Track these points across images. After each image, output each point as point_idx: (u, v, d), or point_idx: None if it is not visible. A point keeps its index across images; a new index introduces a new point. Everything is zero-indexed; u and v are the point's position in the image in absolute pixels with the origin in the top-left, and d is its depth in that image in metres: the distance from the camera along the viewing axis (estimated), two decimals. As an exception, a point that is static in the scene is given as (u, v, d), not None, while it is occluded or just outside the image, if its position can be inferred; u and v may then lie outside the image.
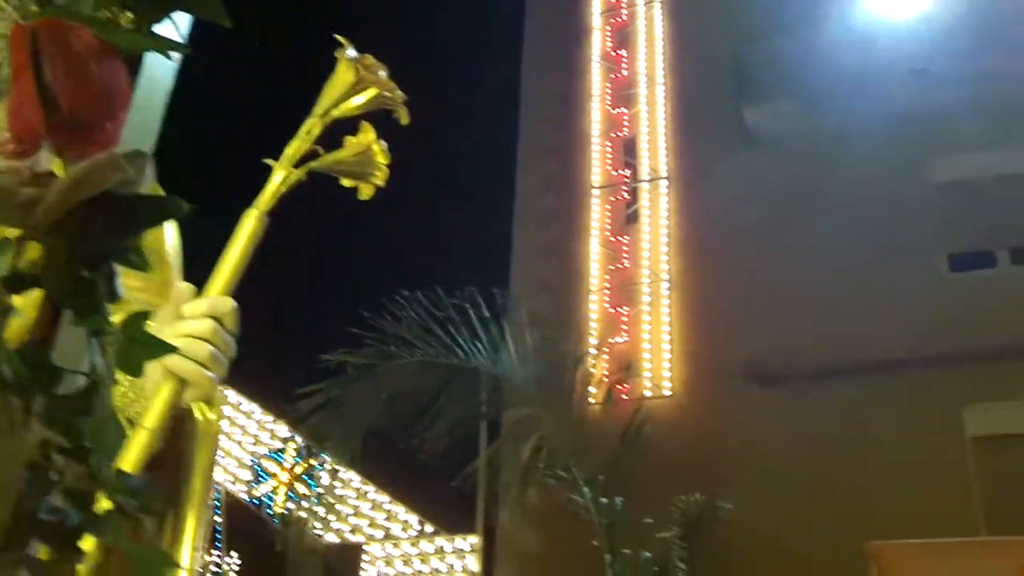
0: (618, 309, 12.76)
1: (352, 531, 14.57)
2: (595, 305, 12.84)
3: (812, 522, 10.48)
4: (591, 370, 11.47)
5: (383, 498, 14.62)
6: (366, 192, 1.84)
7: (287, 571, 13.43)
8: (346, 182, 1.81)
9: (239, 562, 14.32)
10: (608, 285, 12.93)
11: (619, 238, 13.18)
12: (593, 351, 12.30)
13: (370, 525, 14.52)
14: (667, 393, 12.21)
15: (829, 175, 12.36)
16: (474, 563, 13.19)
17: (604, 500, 6.13)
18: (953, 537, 9.08)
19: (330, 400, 6.17)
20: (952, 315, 11.21)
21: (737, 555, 10.38)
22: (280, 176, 1.66)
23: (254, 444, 15.15)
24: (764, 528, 10.51)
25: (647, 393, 12.22)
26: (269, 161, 1.67)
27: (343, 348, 6.26)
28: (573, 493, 6.20)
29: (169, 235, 1.89)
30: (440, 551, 13.44)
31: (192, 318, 1.49)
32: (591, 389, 11.70)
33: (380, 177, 1.83)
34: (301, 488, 14.71)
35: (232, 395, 15.36)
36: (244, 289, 1.65)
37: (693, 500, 8.79)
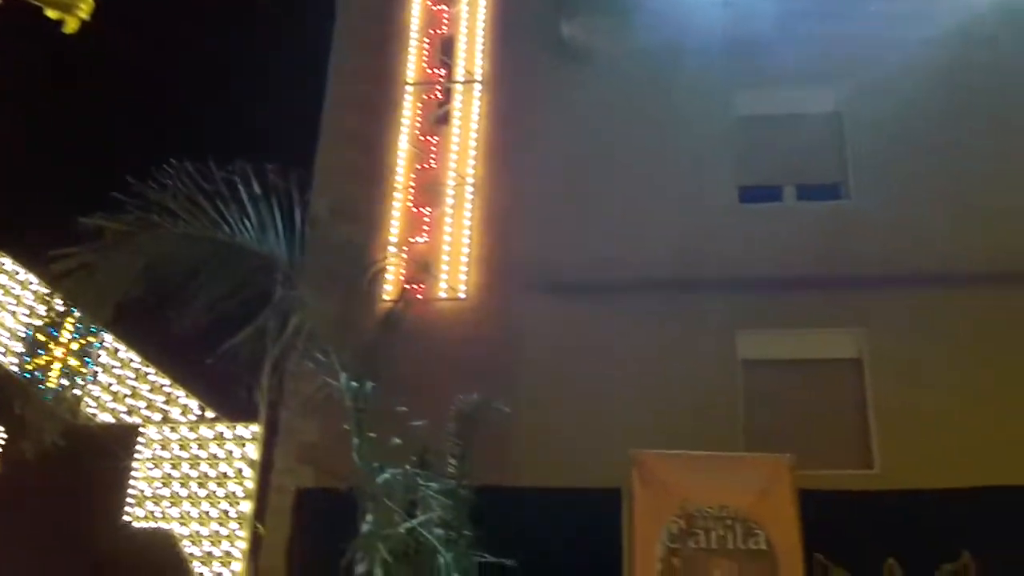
0: (421, 209, 12.65)
1: (129, 412, 14.17)
2: (398, 203, 12.69)
3: (586, 428, 10.85)
4: (385, 266, 11.42)
5: (163, 381, 14.26)
6: (72, 25, 1.67)
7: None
8: (51, 13, 1.64)
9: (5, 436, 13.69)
10: (413, 184, 12.79)
11: (428, 138, 13.02)
12: (392, 248, 12.24)
13: (148, 407, 14.16)
14: (462, 296, 12.26)
15: (640, 95, 12.57)
16: (253, 451, 13.05)
17: (355, 384, 6.11)
18: (716, 451, 9.56)
19: (86, 264, 5.91)
20: (737, 244, 11.67)
21: (511, 455, 10.67)
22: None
23: (29, 316, 14.42)
24: (540, 431, 10.82)
25: (442, 295, 12.25)
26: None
27: (101, 212, 5.98)
28: (331, 377, 6.16)
29: None
30: (220, 437, 13.21)
31: None
32: (386, 287, 11.69)
33: (85, 10, 1.66)
34: (77, 365, 14.16)
35: (9, 264, 14.57)
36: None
37: (471, 399, 8.86)
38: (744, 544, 8.81)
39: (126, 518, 13.01)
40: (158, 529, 12.97)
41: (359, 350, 6.20)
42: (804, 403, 11.24)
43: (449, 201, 12.63)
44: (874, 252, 11.46)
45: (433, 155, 12.91)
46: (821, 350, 11.52)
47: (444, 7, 13.57)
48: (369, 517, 6.02)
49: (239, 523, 12.91)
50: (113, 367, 14.34)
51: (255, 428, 13.03)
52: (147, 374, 14.34)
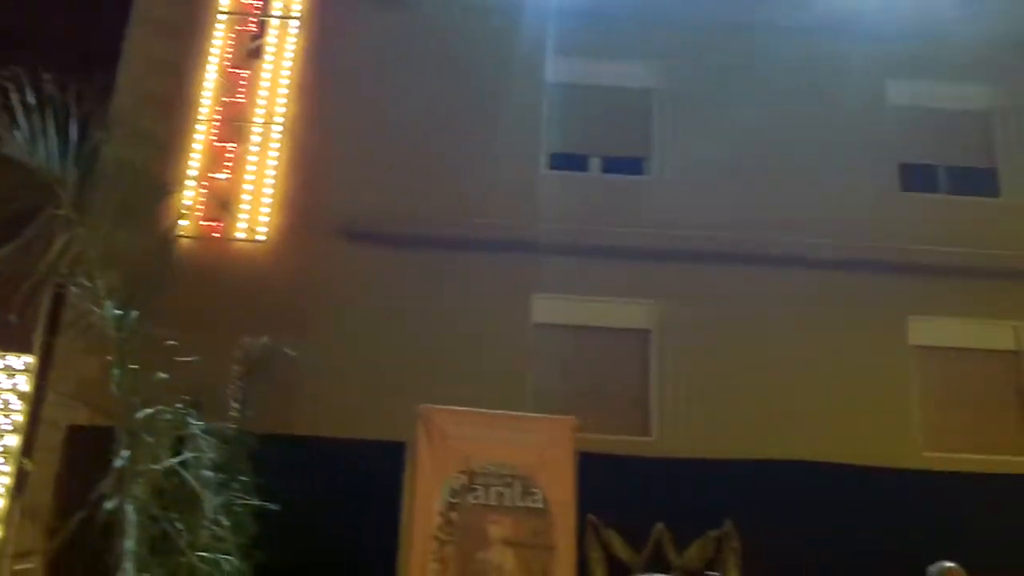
0: (225, 144, 12.20)
1: None
2: (200, 135, 12.19)
3: (376, 380, 10.78)
4: (179, 197, 10.97)
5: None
6: None
7: None
8: None
9: None
10: (218, 117, 12.31)
11: (238, 71, 12.55)
12: (190, 182, 11.78)
13: (-92, 330, 13.19)
14: (261, 238, 11.92)
15: (460, 50, 12.49)
16: (25, 383, 12.35)
17: (119, 312, 5.82)
18: (503, 410, 9.64)
19: None
20: (539, 208, 11.81)
21: (299, 403, 10.49)
22: None
23: None
24: (330, 381, 10.68)
25: (240, 235, 11.88)
26: None
27: None
28: (95, 304, 5.85)
29: None
30: (-13, 366, 12.48)
31: None
32: (180, 221, 11.21)
33: None
34: None
35: None
36: None
37: (257, 342, 8.63)
38: (522, 501, 8.95)
39: None
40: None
41: (129, 278, 5.90)
42: (592, 369, 11.53)
43: (255, 139, 12.24)
44: (671, 225, 11.81)
45: (242, 90, 12.45)
46: (612, 319, 11.82)
47: (264, -63, 13.07)
48: (125, 453, 5.77)
49: (4, 457, 12.23)
50: None
51: (28, 359, 12.33)
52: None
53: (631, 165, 12.60)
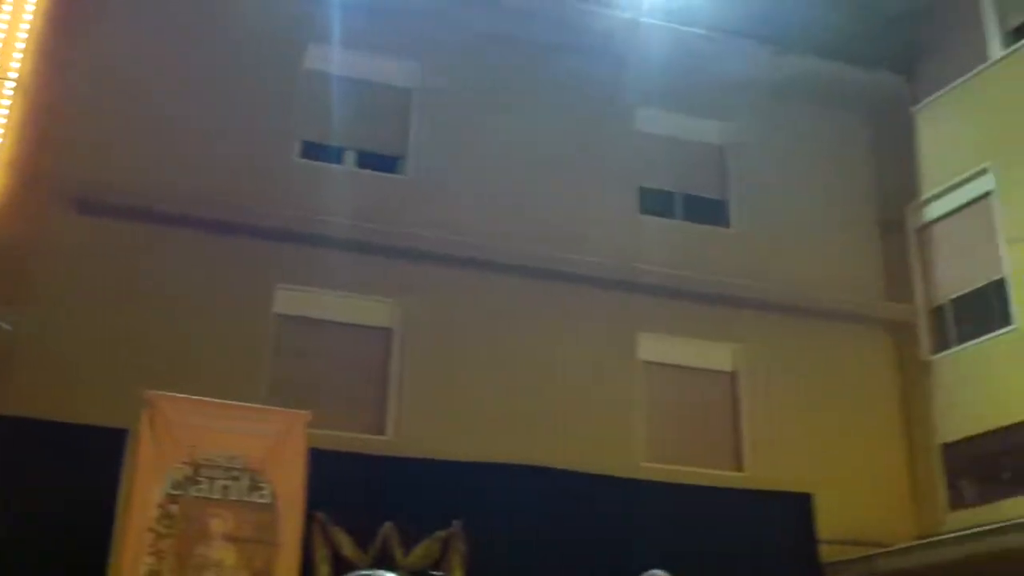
0: (-51, 96, 11.18)
1: None
2: (-80, 84, 11.11)
3: (102, 362, 10.24)
4: None
5: None
6: None
7: None
8: None
9: None
10: (-57, 66, 11.26)
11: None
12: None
13: None
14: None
15: (219, 26, 12.07)
16: None
17: None
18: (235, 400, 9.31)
19: None
20: (289, 198, 11.55)
21: (16, 381, 9.84)
22: None
23: None
24: (51, 359, 10.08)
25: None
26: None
27: None
28: None
29: None
30: None
31: None
32: None
33: None
34: None
35: None
36: None
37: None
38: (248, 496, 8.69)
39: None
40: None
41: None
42: (331, 364, 11.37)
43: (-18, 94, 11.28)
44: (419, 225, 11.83)
45: (-19, 41, 11.45)
46: (355, 315, 11.69)
47: None
48: None
49: None
50: None
51: None
52: None
53: (386, 163, 12.54)
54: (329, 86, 12.37)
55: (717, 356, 12.88)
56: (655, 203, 13.43)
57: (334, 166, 12.28)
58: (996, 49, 13.27)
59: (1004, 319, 12.46)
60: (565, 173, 12.86)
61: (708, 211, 13.71)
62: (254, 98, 11.90)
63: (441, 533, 10.14)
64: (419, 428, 11.09)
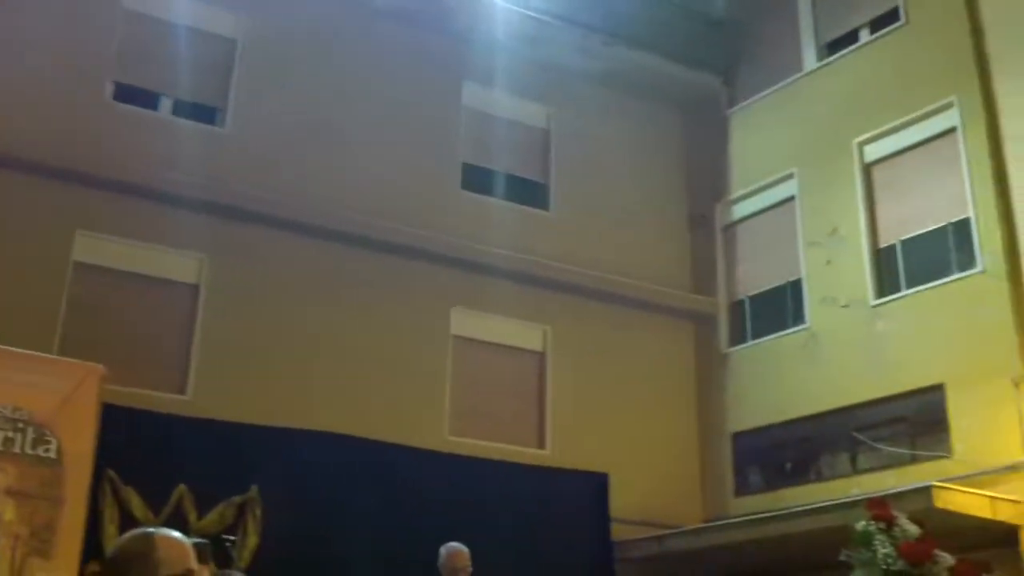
0: None
1: None
2: None
3: None
4: None
5: None
6: None
7: None
8: None
9: None
10: None
11: None
12: None
13: None
14: None
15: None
16: None
17: None
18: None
19: None
20: (102, 141, 10.92)
21: None
22: None
23: None
24: None
25: None
26: None
27: None
28: None
29: None
30: None
31: None
32: None
33: None
34: None
35: None
36: None
37: None
38: (32, 450, 8.16)
39: None
40: None
41: None
42: (132, 318, 10.82)
43: None
44: (233, 180, 11.38)
45: None
46: (159, 268, 11.13)
47: None
48: None
49: None
50: None
51: None
52: None
53: (205, 113, 12.02)
54: (148, 28, 11.78)
55: (528, 336, 13.04)
56: (477, 180, 13.44)
57: (148, 112, 11.68)
58: (811, 61, 13.94)
59: (798, 318, 13.14)
60: (389, 141, 12.69)
61: (529, 193, 13.83)
62: (66, 36, 11.15)
63: (237, 498, 9.86)
64: (221, 389, 10.71)
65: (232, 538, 8.99)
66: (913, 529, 3.17)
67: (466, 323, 12.59)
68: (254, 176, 11.61)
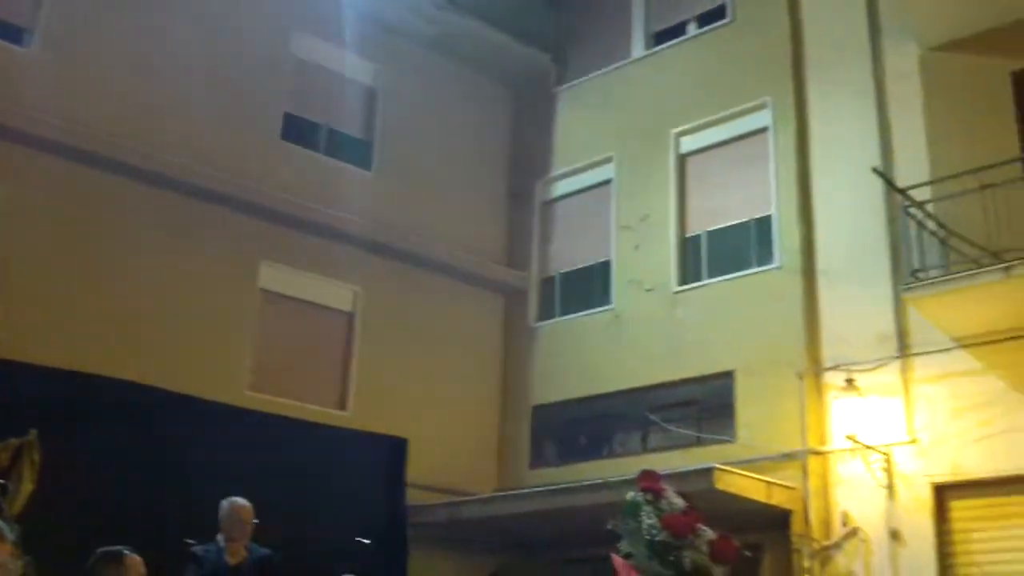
0: None
1: None
2: None
3: None
4: None
5: None
6: None
7: None
8: None
9: None
10: None
11: None
12: None
13: None
14: None
15: None
16: None
17: None
18: None
19: None
20: None
21: None
22: None
23: None
24: None
25: None
26: None
27: None
28: None
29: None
30: None
31: None
32: None
33: None
34: None
35: None
36: None
37: None
38: None
39: None
40: None
41: None
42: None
43: None
44: (36, 108, 10.70)
45: None
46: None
47: None
48: None
49: None
50: None
51: None
52: None
53: (10, 32, 11.20)
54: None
55: (337, 295, 12.87)
56: (299, 132, 13.12)
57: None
58: (639, 49, 14.25)
59: (604, 298, 13.47)
60: (209, 83, 12.19)
61: (351, 150, 13.61)
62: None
63: (13, 440, 9.30)
64: (5, 328, 10.09)
65: (2, 482, 8.48)
66: (679, 503, 3.28)
67: (275, 277, 12.31)
68: (59, 103, 10.89)
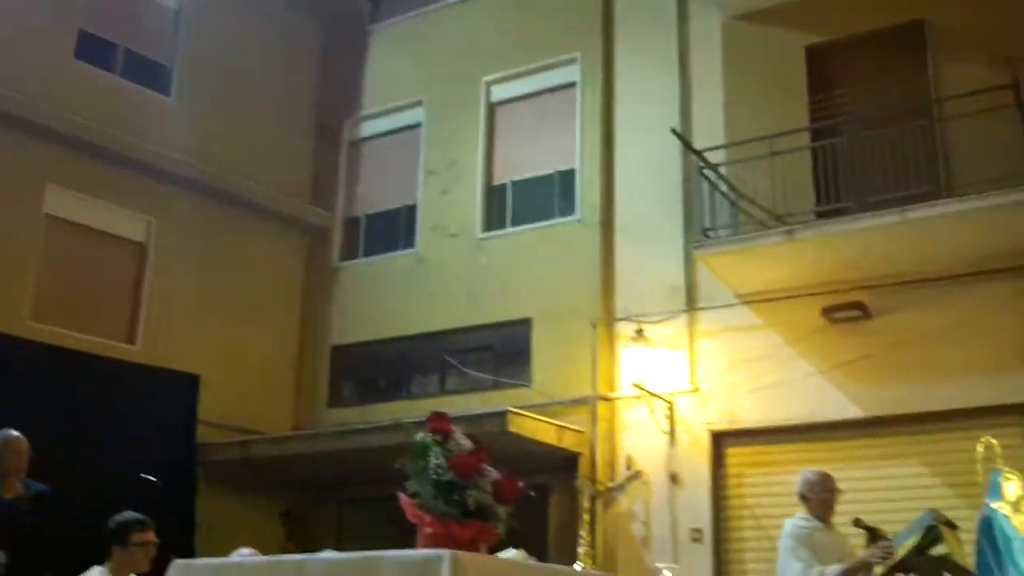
0: None
1: None
2: None
3: None
4: None
5: None
6: None
7: None
8: None
9: None
10: None
11: None
12: None
13: None
14: None
15: None
16: None
17: None
18: None
19: None
20: None
21: None
22: None
23: None
24: None
25: None
26: None
27: None
28: None
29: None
30: None
31: None
32: None
33: None
34: None
35: None
36: None
37: None
38: None
39: None
40: None
41: None
42: None
43: None
44: None
45: None
46: None
47: None
48: None
49: None
50: None
51: None
52: None
53: None
54: None
55: (130, 225, 12.33)
56: (95, 52, 12.39)
57: None
58: (453, -7, 14.18)
59: (409, 242, 13.48)
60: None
61: (151, 74, 12.97)
62: None
63: None
64: None
65: None
66: (467, 444, 3.37)
67: (62, 203, 11.67)
68: None
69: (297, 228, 14.04)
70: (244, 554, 6.15)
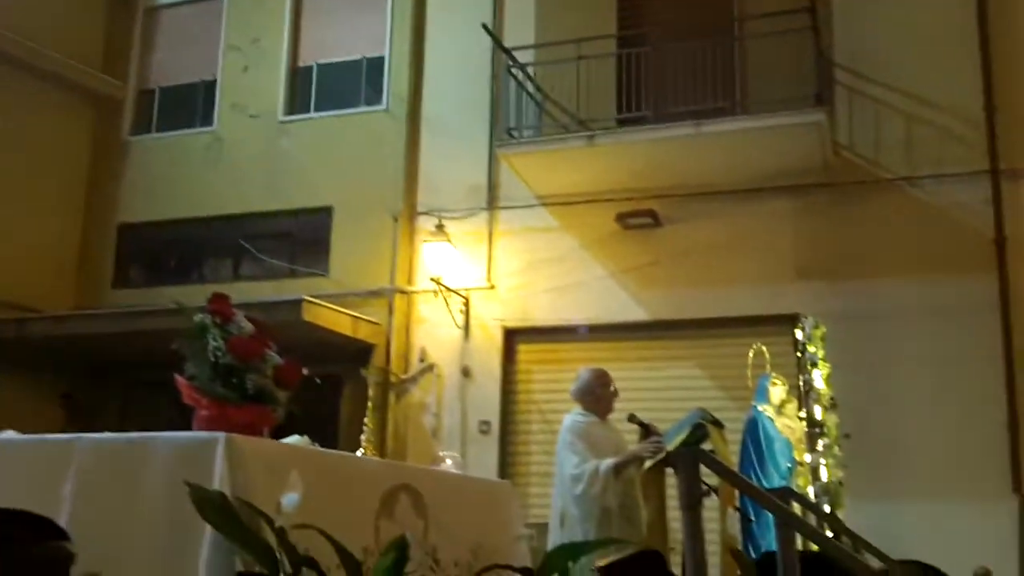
0: None
1: None
2: None
3: None
4: None
5: None
6: None
7: None
8: None
9: None
10: None
11: None
12: None
13: None
14: None
15: None
16: None
17: None
18: None
19: None
20: None
21: None
22: None
23: None
24: None
25: None
26: None
27: None
28: None
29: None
30: None
31: None
32: None
33: None
34: None
35: None
36: None
37: None
38: None
39: None
40: None
41: None
42: None
43: None
44: None
45: None
46: None
47: None
48: None
49: None
50: None
51: None
52: None
53: None
54: None
55: None
56: None
57: None
58: None
59: (207, 119, 12.92)
60: None
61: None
62: None
63: None
64: None
65: None
66: (248, 327, 3.31)
67: None
68: None
69: (85, 97, 13.20)
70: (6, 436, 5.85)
